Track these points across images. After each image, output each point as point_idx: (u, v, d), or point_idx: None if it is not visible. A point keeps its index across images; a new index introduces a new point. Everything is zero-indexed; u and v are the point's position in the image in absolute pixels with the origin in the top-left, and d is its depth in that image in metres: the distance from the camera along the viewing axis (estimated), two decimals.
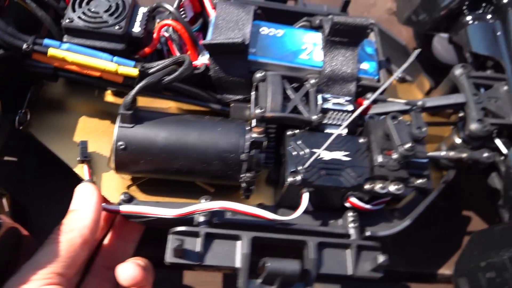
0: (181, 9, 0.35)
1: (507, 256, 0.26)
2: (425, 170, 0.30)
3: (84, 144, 0.31)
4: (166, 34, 0.33)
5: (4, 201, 0.29)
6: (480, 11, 0.37)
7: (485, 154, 0.32)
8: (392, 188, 0.30)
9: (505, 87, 0.34)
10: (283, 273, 0.27)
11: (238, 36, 0.32)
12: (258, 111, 0.29)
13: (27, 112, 0.32)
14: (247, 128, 0.30)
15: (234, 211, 0.29)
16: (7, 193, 0.30)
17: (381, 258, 0.29)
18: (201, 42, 0.31)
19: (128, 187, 0.31)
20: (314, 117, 0.30)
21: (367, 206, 0.30)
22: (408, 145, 0.29)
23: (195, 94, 0.32)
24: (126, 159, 0.28)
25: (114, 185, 0.31)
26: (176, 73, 0.29)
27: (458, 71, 0.35)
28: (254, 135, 0.29)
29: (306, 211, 0.30)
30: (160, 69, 0.29)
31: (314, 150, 0.29)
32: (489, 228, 0.32)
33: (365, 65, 0.35)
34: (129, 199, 0.30)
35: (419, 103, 0.32)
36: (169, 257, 0.27)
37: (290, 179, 0.28)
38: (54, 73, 0.31)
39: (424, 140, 0.31)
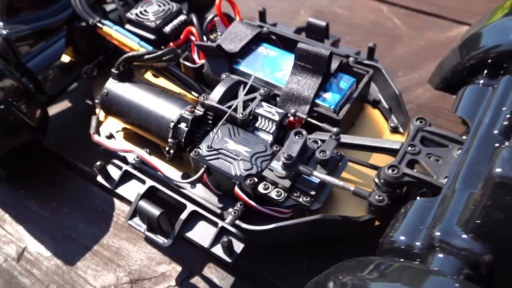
0: (216, 24, 0.45)
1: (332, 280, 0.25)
2: (312, 190, 0.31)
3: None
4: (193, 39, 0.44)
5: None
6: (481, 75, 0.35)
7: (376, 197, 0.30)
8: (273, 193, 0.32)
9: (458, 151, 0.31)
10: (146, 213, 0.33)
11: (231, 47, 0.40)
12: (201, 98, 0.37)
13: (94, 69, 0.47)
14: (187, 107, 0.37)
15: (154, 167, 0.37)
16: None
17: (236, 246, 0.31)
18: (193, 42, 0.41)
19: (117, 131, 0.42)
20: (240, 115, 0.35)
21: (251, 202, 0.33)
22: (286, 154, 0.31)
23: (187, 81, 0.41)
24: (105, 103, 0.39)
25: (109, 127, 0.42)
26: (154, 54, 0.39)
27: (414, 122, 0.34)
28: (186, 112, 0.36)
29: (215, 193, 0.35)
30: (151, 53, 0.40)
31: (226, 139, 0.34)
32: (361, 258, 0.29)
33: (327, 95, 0.37)
34: (109, 137, 0.41)
35: (334, 130, 0.33)
36: (98, 176, 0.36)
37: (193, 153, 0.34)
38: (115, 48, 0.45)
39: (329, 163, 0.32)
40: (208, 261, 0.39)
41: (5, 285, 0.38)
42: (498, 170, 0.22)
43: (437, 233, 0.25)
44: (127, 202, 0.39)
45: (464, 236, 0.24)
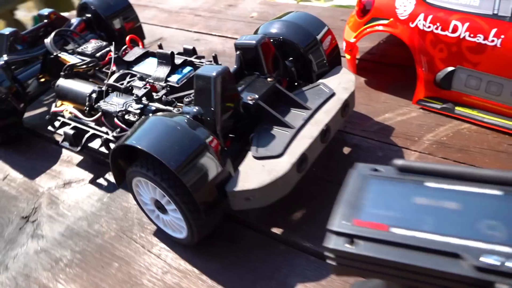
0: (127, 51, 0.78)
1: None
2: None
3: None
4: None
5: None
6: None
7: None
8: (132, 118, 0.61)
9: None
10: (68, 136, 0.62)
11: (130, 59, 0.72)
12: (105, 81, 0.68)
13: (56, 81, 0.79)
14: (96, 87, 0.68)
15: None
16: None
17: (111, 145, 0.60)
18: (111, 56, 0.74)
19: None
20: (121, 86, 0.66)
21: (122, 125, 0.62)
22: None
23: (100, 78, 0.73)
24: (57, 91, 0.71)
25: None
26: (82, 63, 0.71)
27: None
28: (96, 89, 0.67)
29: (107, 127, 0.65)
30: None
31: (114, 98, 0.65)
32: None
33: (174, 76, 0.68)
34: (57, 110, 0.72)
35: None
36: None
37: (98, 105, 0.64)
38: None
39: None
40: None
41: None
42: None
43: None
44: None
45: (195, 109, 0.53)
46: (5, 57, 0.74)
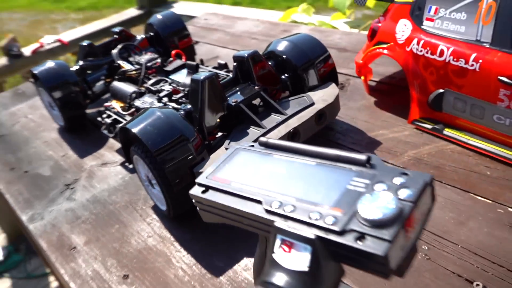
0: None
1: None
2: None
3: None
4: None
5: None
6: None
7: None
8: None
9: None
10: (107, 124, 0.78)
11: (169, 69, 0.87)
12: (145, 85, 0.83)
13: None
14: (136, 88, 0.84)
15: None
16: None
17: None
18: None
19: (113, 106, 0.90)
20: (154, 88, 0.80)
21: None
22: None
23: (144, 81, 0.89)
24: (110, 91, 0.88)
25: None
26: (131, 70, 0.88)
27: None
28: (136, 90, 0.83)
29: None
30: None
31: (147, 97, 0.80)
32: None
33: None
34: (109, 105, 0.89)
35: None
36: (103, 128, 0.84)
37: (133, 103, 0.79)
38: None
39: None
40: None
41: None
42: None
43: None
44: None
45: (187, 107, 0.64)
46: (80, 62, 0.94)
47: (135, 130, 0.57)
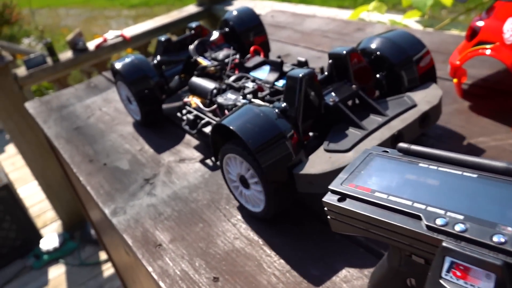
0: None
1: None
2: None
3: None
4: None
5: None
6: None
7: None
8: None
9: None
10: (189, 121, 0.77)
11: (250, 65, 0.85)
12: (224, 80, 0.82)
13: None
14: (216, 84, 0.82)
15: None
16: None
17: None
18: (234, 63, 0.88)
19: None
20: (235, 85, 0.78)
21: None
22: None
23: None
24: (189, 86, 0.87)
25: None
26: (212, 66, 0.86)
27: None
28: (217, 86, 0.81)
29: (219, 117, 0.78)
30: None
31: (229, 94, 0.78)
32: None
33: (280, 81, 0.78)
34: (187, 101, 0.88)
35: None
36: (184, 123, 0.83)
37: (215, 99, 0.78)
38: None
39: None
40: None
41: None
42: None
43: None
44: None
45: (282, 105, 0.62)
46: (158, 57, 0.94)
47: (234, 127, 0.55)
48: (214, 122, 0.76)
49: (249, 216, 0.64)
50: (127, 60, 0.89)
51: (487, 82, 0.82)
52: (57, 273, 2.53)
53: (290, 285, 0.52)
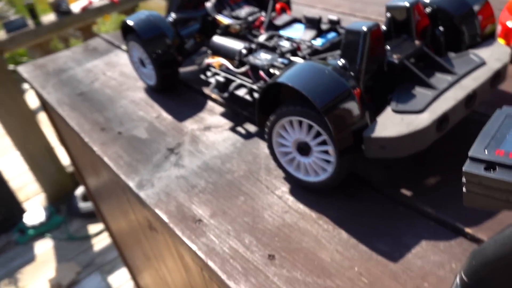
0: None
1: None
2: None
3: None
4: (262, 20, 0.82)
5: None
6: None
7: None
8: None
9: None
10: (220, 83, 0.70)
11: (279, 23, 0.78)
12: (255, 40, 0.74)
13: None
14: (246, 44, 0.75)
15: None
16: None
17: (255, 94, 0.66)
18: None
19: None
20: (270, 44, 0.71)
21: (265, 77, 0.67)
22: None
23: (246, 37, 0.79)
24: (211, 46, 0.79)
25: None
26: (235, 23, 0.79)
27: None
28: (246, 45, 0.74)
29: (252, 80, 0.71)
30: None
31: (263, 53, 0.70)
32: None
33: (318, 40, 0.71)
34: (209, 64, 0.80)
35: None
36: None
37: (246, 59, 0.71)
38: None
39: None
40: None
41: None
42: None
43: None
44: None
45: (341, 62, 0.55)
46: (173, 14, 0.85)
47: (298, 85, 0.49)
48: (249, 85, 0.69)
49: (295, 188, 0.58)
50: (142, 16, 0.80)
51: None
52: (44, 248, 2.45)
53: (357, 261, 0.48)
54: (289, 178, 0.59)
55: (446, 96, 0.51)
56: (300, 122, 0.53)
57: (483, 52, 0.57)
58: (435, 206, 0.51)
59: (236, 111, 0.76)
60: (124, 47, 1.08)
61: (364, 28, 0.53)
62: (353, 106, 0.49)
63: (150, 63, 0.82)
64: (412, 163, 0.57)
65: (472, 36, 0.60)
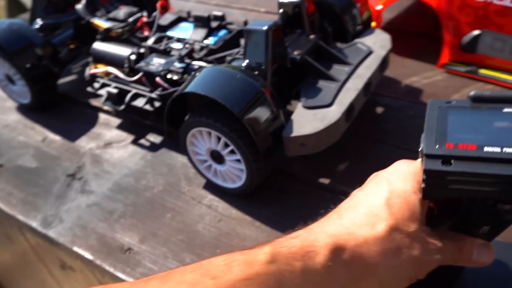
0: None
1: None
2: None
3: None
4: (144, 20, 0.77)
5: None
6: None
7: None
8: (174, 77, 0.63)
9: None
10: (112, 96, 0.64)
11: (164, 23, 0.74)
12: (143, 44, 0.69)
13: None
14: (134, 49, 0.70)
15: None
16: None
17: (156, 103, 0.62)
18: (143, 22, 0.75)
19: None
20: (159, 47, 0.67)
21: (163, 83, 0.63)
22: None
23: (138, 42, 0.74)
24: (93, 54, 0.72)
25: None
26: (116, 27, 0.73)
27: None
28: (135, 51, 0.69)
29: (147, 87, 0.66)
30: None
31: (154, 59, 0.66)
32: None
33: (210, 39, 0.69)
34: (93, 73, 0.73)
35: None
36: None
37: (138, 65, 0.66)
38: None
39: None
40: None
41: None
42: None
43: None
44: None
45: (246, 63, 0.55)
46: (39, 21, 0.75)
47: (211, 93, 0.48)
48: (147, 94, 0.65)
49: (222, 194, 0.57)
50: (2, 26, 0.69)
51: (394, 25, 0.87)
52: None
53: None
54: (212, 184, 0.58)
55: (348, 87, 0.54)
56: (210, 133, 0.52)
57: (368, 41, 0.63)
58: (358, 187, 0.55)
59: (136, 121, 0.71)
60: None
61: (266, 27, 0.53)
62: (267, 106, 0.49)
63: (21, 78, 0.71)
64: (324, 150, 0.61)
65: (354, 25, 0.65)
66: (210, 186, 0.58)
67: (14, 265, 0.88)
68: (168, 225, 0.54)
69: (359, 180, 0.55)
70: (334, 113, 0.51)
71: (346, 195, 0.54)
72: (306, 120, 0.51)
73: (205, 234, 0.53)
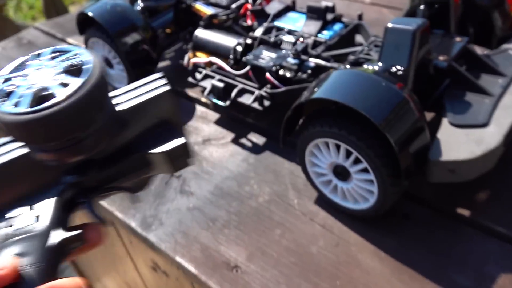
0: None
1: None
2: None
3: None
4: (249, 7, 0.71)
5: None
6: None
7: None
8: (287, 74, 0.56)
9: None
10: (217, 89, 0.58)
11: (271, 11, 0.67)
12: (250, 34, 0.63)
13: (186, 34, 0.75)
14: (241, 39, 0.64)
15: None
16: None
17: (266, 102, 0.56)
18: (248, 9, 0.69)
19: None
20: (270, 39, 0.61)
21: (274, 81, 0.57)
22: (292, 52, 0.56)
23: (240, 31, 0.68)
24: (195, 42, 0.67)
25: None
26: (221, 13, 0.67)
27: None
28: (241, 41, 0.62)
29: (255, 82, 0.60)
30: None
31: (263, 51, 0.60)
32: None
33: (325, 32, 0.62)
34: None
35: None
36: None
37: (244, 58, 0.60)
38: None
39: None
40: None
41: None
42: None
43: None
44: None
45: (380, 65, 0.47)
46: (140, 2, 0.70)
47: (349, 101, 0.41)
48: (255, 91, 0.59)
49: (336, 212, 0.51)
50: (106, 6, 0.65)
51: None
52: None
53: None
54: (325, 199, 0.51)
55: (505, 104, 0.45)
56: (338, 145, 0.45)
57: None
58: (505, 223, 0.46)
59: (236, 117, 0.65)
60: (70, 39, 0.90)
61: (414, 27, 0.45)
62: (412, 118, 0.42)
63: (120, 62, 0.67)
64: None
65: (503, 27, 0.55)
66: (323, 202, 0.52)
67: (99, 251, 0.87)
68: (277, 243, 0.49)
69: (508, 217, 0.47)
70: (492, 136, 0.43)
71: (489, 232, 0.46)
72: (457, 142, 0.43)
73: (321, 259, 0.47)
